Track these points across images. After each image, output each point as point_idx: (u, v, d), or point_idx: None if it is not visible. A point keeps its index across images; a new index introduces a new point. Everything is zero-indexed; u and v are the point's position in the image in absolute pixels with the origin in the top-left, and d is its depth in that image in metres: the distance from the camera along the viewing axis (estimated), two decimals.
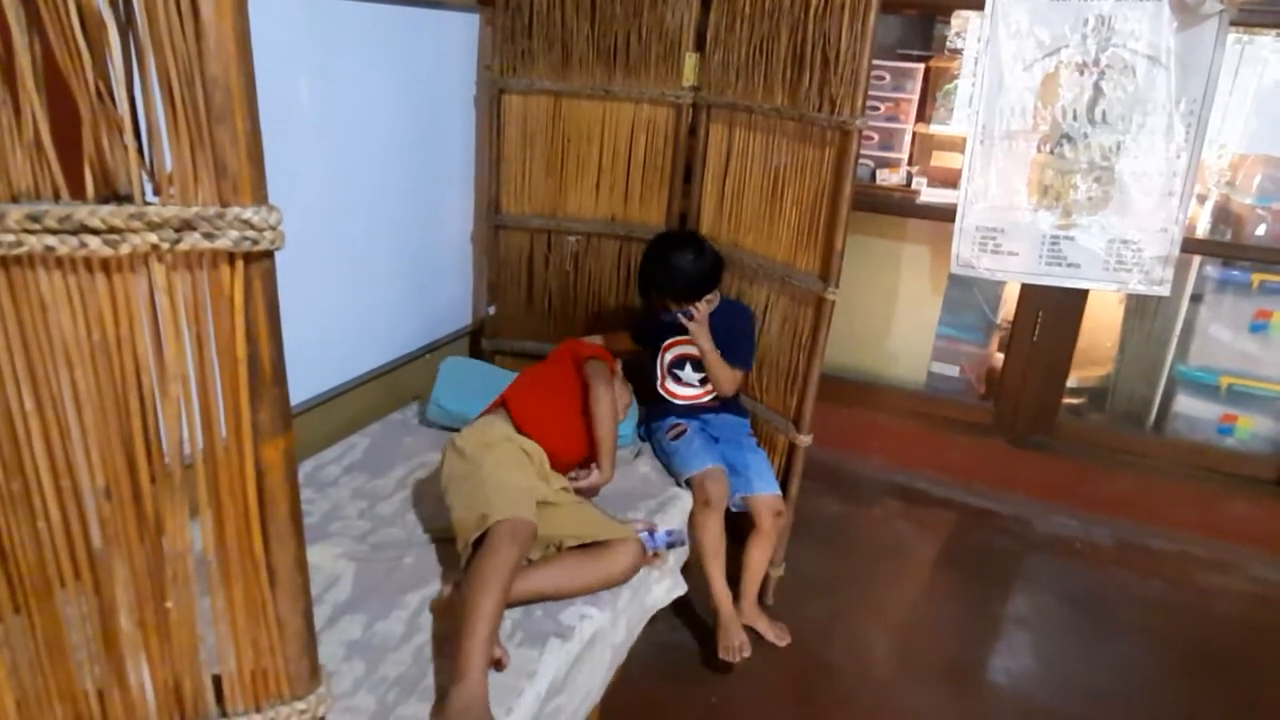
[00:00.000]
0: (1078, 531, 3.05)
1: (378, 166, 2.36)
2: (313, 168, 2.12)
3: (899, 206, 3.30)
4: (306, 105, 2.07)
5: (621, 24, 2.56)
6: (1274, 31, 2.99)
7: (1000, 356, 3.33)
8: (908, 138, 3.39)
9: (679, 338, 2.42)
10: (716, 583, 2.24)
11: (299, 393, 2.20)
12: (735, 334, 2.43)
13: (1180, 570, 2.89)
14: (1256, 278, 2.99)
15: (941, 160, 3.40)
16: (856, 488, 3.24)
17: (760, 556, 2.34)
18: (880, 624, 2.54)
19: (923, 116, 3.48)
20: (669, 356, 2.48)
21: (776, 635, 2.35)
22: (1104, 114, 2.82)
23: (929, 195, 3.23)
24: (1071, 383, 3.43)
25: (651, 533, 2.01)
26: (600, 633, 1.80)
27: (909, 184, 3.33)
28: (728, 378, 2.38)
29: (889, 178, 3.35)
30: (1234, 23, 2.63)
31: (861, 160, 3.50)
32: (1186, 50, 2.66)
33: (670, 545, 2.04)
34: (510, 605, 1.70)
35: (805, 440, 2.38)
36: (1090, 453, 3.16)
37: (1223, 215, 3.15)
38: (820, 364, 2.33)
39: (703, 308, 2.32)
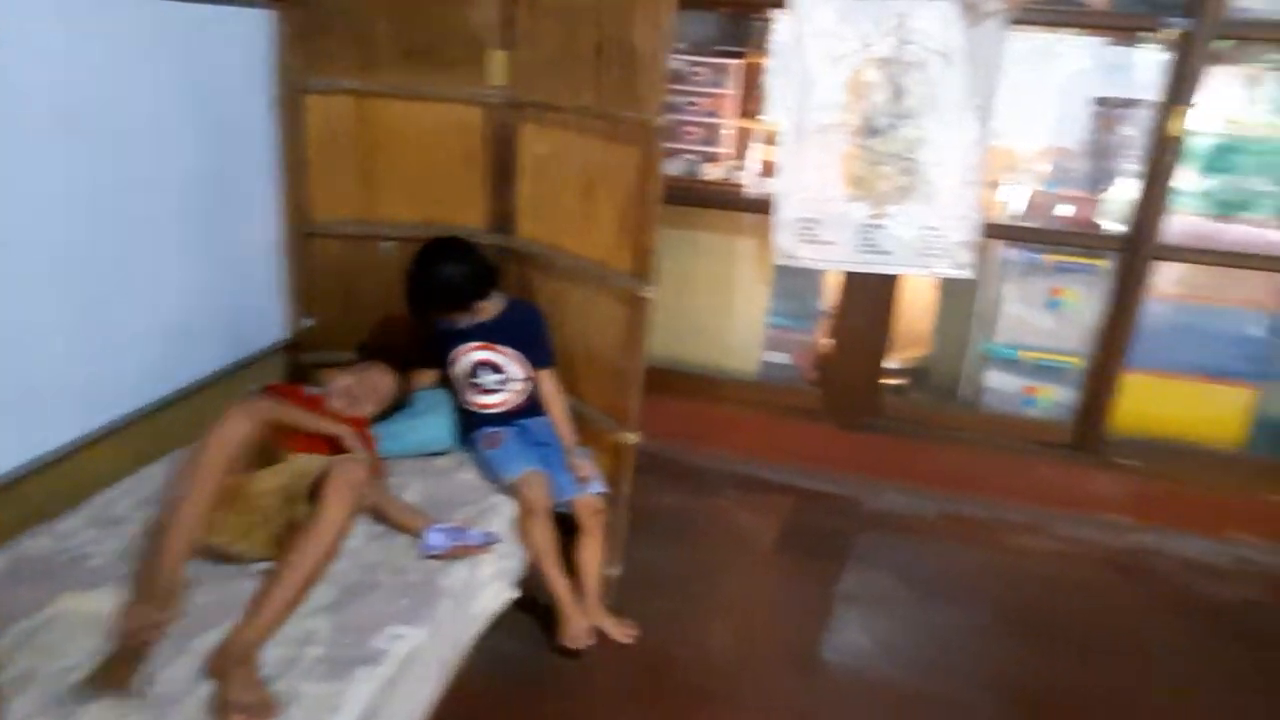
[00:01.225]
0: (906, 506, 3.20)
1: (153, 174, 2.18)
2: (57, 179, 1.92)
3: (724, 200, 3.36)
4: (49, 107, 1.88)
5: (423, 21, 2.48)
6: (1066, 30, 3.21)
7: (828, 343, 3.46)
8: (730, 132, 3.46)
9: (469, 344, 2.39)
10: (553, 578, 2.23)
11: (68, 425, 2.02)
12: (530, 335, 2.43)
13: (998, 535, 3.07)
14: (1050, 259, 3.22)
15: (766, 154, 3.49)
16: (698, 479, 3.28)
17: (590, 556, 2.34)
18: (724, 613, 2.58)
19: (747, 111, 3.57)
20: (463, 365, 2.43)
21: (623, 633, 2.35)
22: (907, 109, 2.95)
23: (757, 188, 3.30)
24: (895, 364, 3.61)
25: (461, 531, 1.97)
26: (418, 651, 1.73)
27: (733, 178, 3.40)
28: (555, 395, 2.41)
29: (712, 172, 3.41)
30: (1018, 21, 2.81)
31: (685, 156, 3.58)
32: (974, 48, 2.81)
33: (484, 544, 1.99)
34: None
35: (633, 438, 2.38)
36: (914, 430, 3.32)
37: (1024, 201, 3.37)
38: (642, 362, 2.33)
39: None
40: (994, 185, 3.32)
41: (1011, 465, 3.21)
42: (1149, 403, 3.17)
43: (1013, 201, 3.39)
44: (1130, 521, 3.12)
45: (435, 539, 1.91)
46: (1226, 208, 3.37)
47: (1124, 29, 3.00)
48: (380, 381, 2.28)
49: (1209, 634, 2.63)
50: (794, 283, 3.44)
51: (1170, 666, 2.48)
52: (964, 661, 2.44)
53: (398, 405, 2.35)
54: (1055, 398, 3.26)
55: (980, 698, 2.29)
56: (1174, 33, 2.71)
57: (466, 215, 2.65)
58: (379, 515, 2.02)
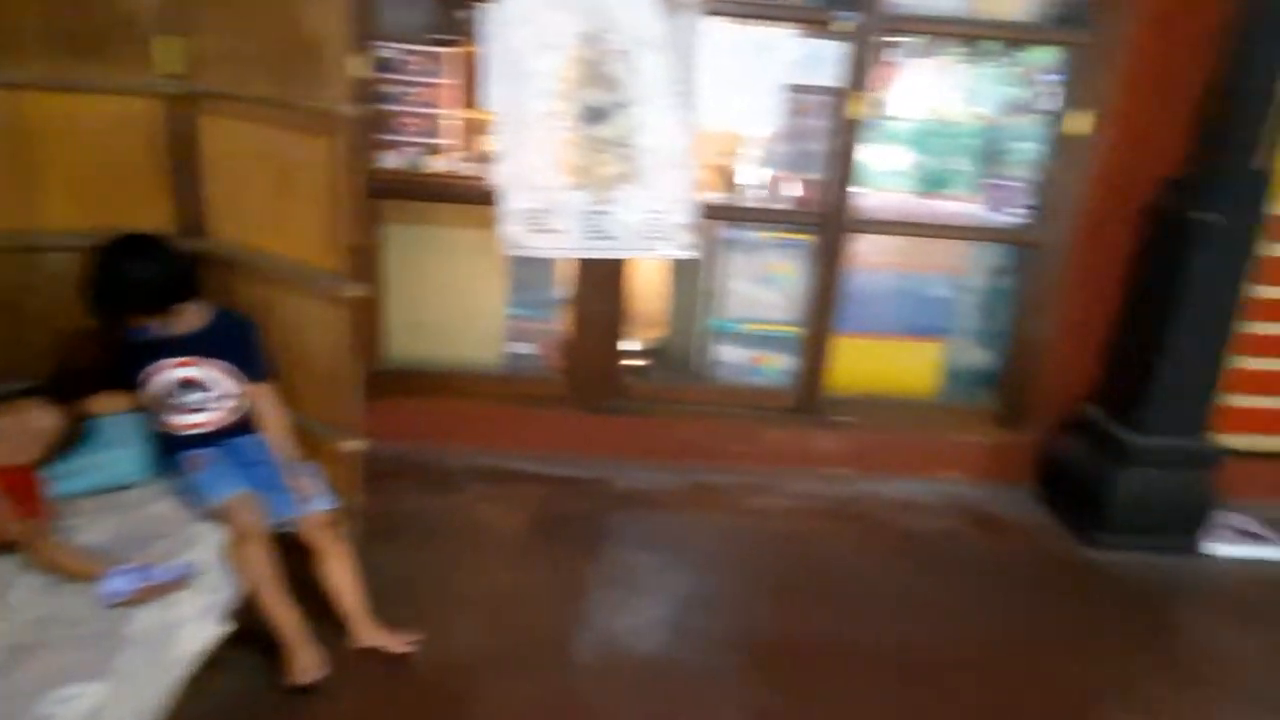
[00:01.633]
0: (652, 482, 3.30)
1: None
2: None
3: (453, 193, 3.29)
4: None
5: (76, 5, 2.20)
6: (755, 22, 3.43)
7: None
8: (454, 123, 3.39)
9: (169, 360, 2.17)
10: (274, 609, 2.06)
11: None
12: (241, 347, 2.26)
13: (736, 499, 3.25)
14: (763, 236, 3.44)
15: (491, 144, 3.44)
16: (446, 479, 3.20)
17: (340, 576, 2.20)
18: (474, 611, 2.52)
19: (469, 101, 3.51)
20: (161, 384, 2.19)
21: (401, 643, 2.24)
22: (621, 97, 3.02)
23: (485, 180, 3.25)
24: (635, 345, 3.71)
25: (147, 569, 1.78)
26: (102, 709, 1.55)
27: (459, 170, 3.33)
28: (272, 410, 2.25)
29: (438, 165, 3.33)
30: (714, 12, 2.95)
31: (407, 148, 3.46)
32: (673, 36, 2.93)
33: (177, 580, 1.81)
34: None
35: (358, 445, 2.28)
36: (656, 407, 3.44)
37: (735, 184, 3.58)
38: (361, 364, 2.24)
39: None
40: (711, 168, 3.49)
41: (744, 432, 3.42)
42: (859, 363, 3.49)
43: (728, 183, 3.59)
44: (850, 473, 3.43)
45: (116, 583, 1.71)
46: (929, 184, 3.78)
47: (803, 21, 3.26)
48: (38, 421, 1.99)
49: (922, 566, 2.94)
50: (531, 273, 3.44)
51: (891, 600, 2.74)
52: (713, 626, 2.55)
53: (72, 440, 2.08)
54: (779, 365, 3.51)
55: (728, 660, 2.40)
56: (847, 25, 2.98)
57: (148, 218, 2.38)
58: (51, 567, 1.78)
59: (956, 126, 3.87)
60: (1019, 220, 3.40)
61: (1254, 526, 3.23)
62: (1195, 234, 2.78)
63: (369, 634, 2.23)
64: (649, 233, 3.15)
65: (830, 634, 2.55)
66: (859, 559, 2.96)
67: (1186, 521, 3.06)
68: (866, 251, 3.43)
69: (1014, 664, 2.49)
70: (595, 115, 3.02)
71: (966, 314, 3.67)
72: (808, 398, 3.43)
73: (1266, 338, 3.39)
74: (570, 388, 3.40)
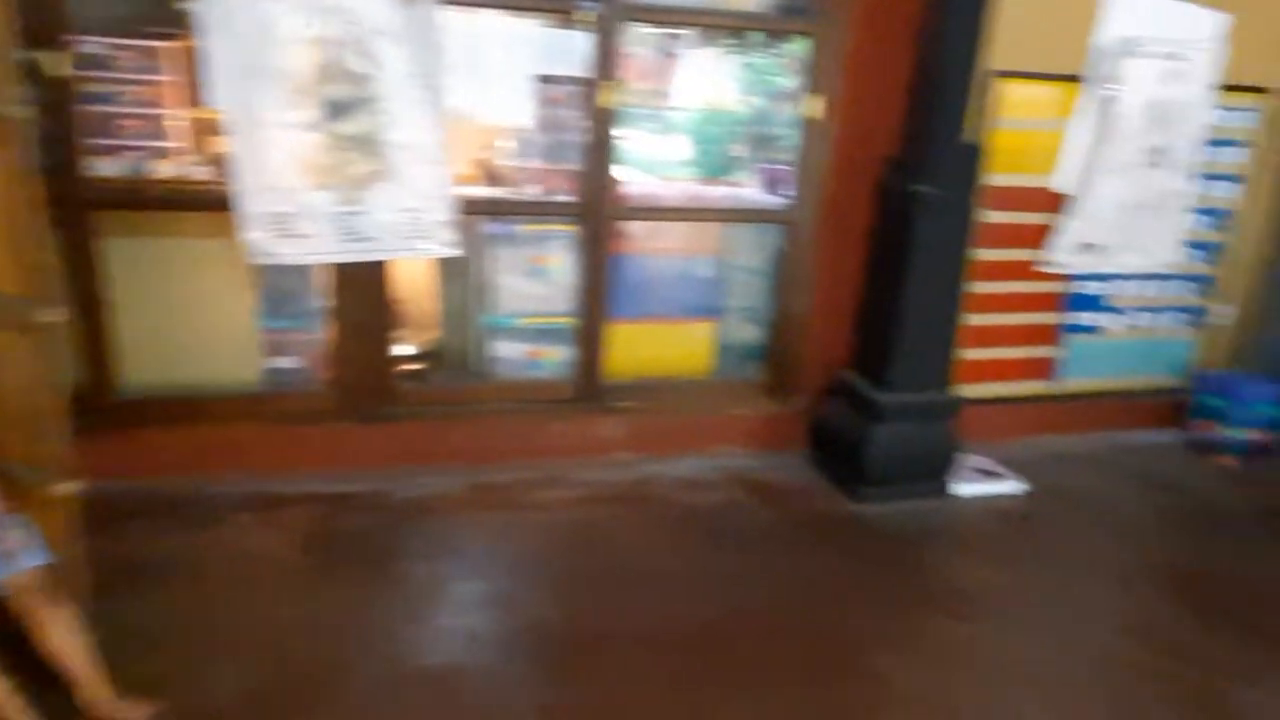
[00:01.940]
0: (437, 488, 3.20)
1: None
2: None
3: (185, 200, 3.02)
4: None
5: None
6: (496, 11, 3.37)
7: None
8: (179, 124, 3.11)
9: None
10: None
11: None
12: None
13: (524, 495, 3.22)
14: (528, 229, 3.42)
15: (224, 146, 3.19)
16: (204, 512, 2.94)
17: (61, 640, 1.94)
18: (252, 650, 2.32)
19: (198, 100, 3.22)
20: None
21: (139, 715, 2.00)
22: (365, 91, 2.88)
23: (221, 184, 3.00)
24: (410, 349, 3.58)
25: None
26: None
27: (191, 175, 3.06)
28: None
29: (165, 170, 3.04)
30: (452, 2, 2.87)
31: (128, 153, 3.14)
32: (413, 27, 2.83)
33: None
34: None
35: (72, 488, 2.03)
36: (435, 411, 3.33)
37: (496, 177, 3.53)
38: (64, 398, 1.99)
39: None
40: (470, 162, 3.42)
41: (526, 427, 3.39)
42: (635, 348, 3.55)
43: (489, 176, 3.54)
44: (634, 457, 3.49)
45: None
46: (705, 170, 3.89)
47: (547, 11, 3.25)
48: None
49: (705, 540, 3.03)
50: (284, 281, 3.22)
51: (676, 577, 2.80)
52: (501, 629, 2.50)
53: None
54: (557, 357, 3.50)
55: (516, 662, 2.37)
56: (589, 16, 3.00)
57: None
58: None
59: (728, 114, 4.03)
60: (783, 201, 3.57)
61: (991, 465, 3.60)
62: (916, 206, 3.04)
63: (101, 704, 2.00)
64: (408, 232, 3.04)
65: (617, 619, 2.57)
66: (645, 541, 3.01)
67: (935, 468, 3.36)
68: (638, 238, 3.50)
69: (791, 622, 2.63)
70: (338, 111, 2.87)
71: (736, 293, 3.82)
72: (587, 387, 3.45)
73: (989, 296, 3.78)
74: (340, 399, 3.22)
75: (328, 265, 3.08)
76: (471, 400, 3.39)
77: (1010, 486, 3.48)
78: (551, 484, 3.29)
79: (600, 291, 3.34)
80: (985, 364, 3.87)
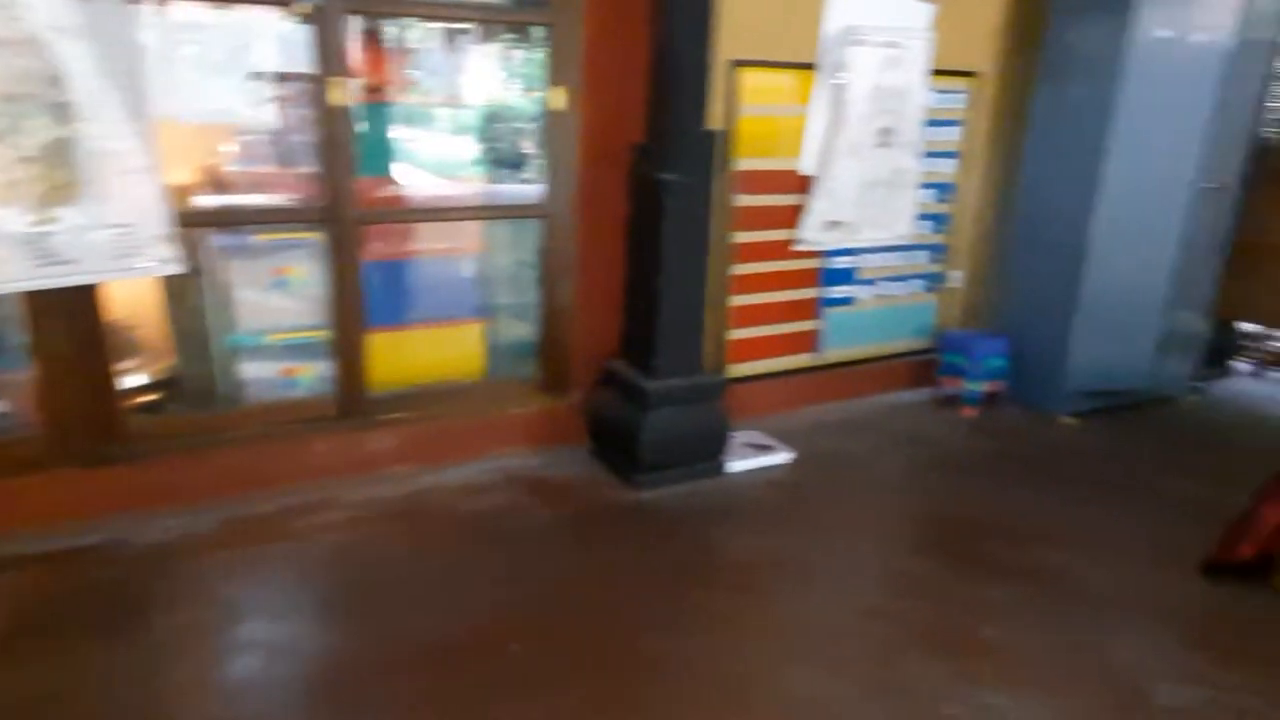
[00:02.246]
0: (185, 528, 2.91)
1: None
2: None
3: None
4: None
5: None
6: (204, 5, 3.09)
7: None
8: None
9: None
10: None
11: None
12: None
13: (291, 523, 2.99)
14: (266, 239, 3.17)
15: None
16: None
17: None
18: None
19: None
20: None
21: None
22: (47, 96, 2.55)
23: None
24: (140, 380, 3.24)
25: None
26: None
27: None
28: None
29: None
30: None
31: None
32: (100, 23, 2.53)
33: None
34: None
35: None
36: (176, 445, 3.02)
37: (224, 184, 3.25)
38: None
39: None
40: (194, 169, 3.13)
41: (287, 450, 3.15)
42: (400, 356, 3.40)
43: (216, 183, 3.25)
44: (408, 469, 3.34)
45: None
46: (461, 167, 3.74)
47: (262, 2, 3.00)
48: None
49: (485, 545, 2.94)
50: None
51: (455, 587, 2.70)
52: (274, 674, 2.29)
53: None
54: (314, 373, 3.28)
55: (294, 709, 2.18)
56: (304, 7, 2.81)
57: None
58: None
59: (509, 110, 3.91)
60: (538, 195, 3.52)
61: (763, 439, 3.75)
62: (663, 193, 3.09)
63: None
64: (118, 250, 2.72)
65: (395, 643, 2.44)
66: (421, 556, 2.88)
67: (708, 449, 3.45)
68: (397, 240, 3.34)
69: (572, 618, 2.59)
70: (13, 120, 2.52)
71: (505, 291, 3.75)
72: (350, 401, 3.26)
73: (752, 276, 3.94)
74: (55, 443, 2.85)
75: (23, 293, 2.71)
76: (220, 429, 3.10)
77: (781, 457, 3.64)
78: (319, 508, 3.08)
79: (354, 300, 3.16)
80: (753, 342, 4.03)
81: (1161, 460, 3.87)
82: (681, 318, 3.27)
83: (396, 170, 3.57)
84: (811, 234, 3.97)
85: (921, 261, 4.42)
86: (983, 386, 4.24)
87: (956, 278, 4.54)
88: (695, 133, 3.13)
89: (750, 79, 3.66)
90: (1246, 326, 5.05)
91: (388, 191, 3.39)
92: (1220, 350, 4.94)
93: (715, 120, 3.49)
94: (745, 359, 4.02)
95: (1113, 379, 4.24)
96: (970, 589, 2.85)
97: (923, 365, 4.50)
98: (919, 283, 4.45)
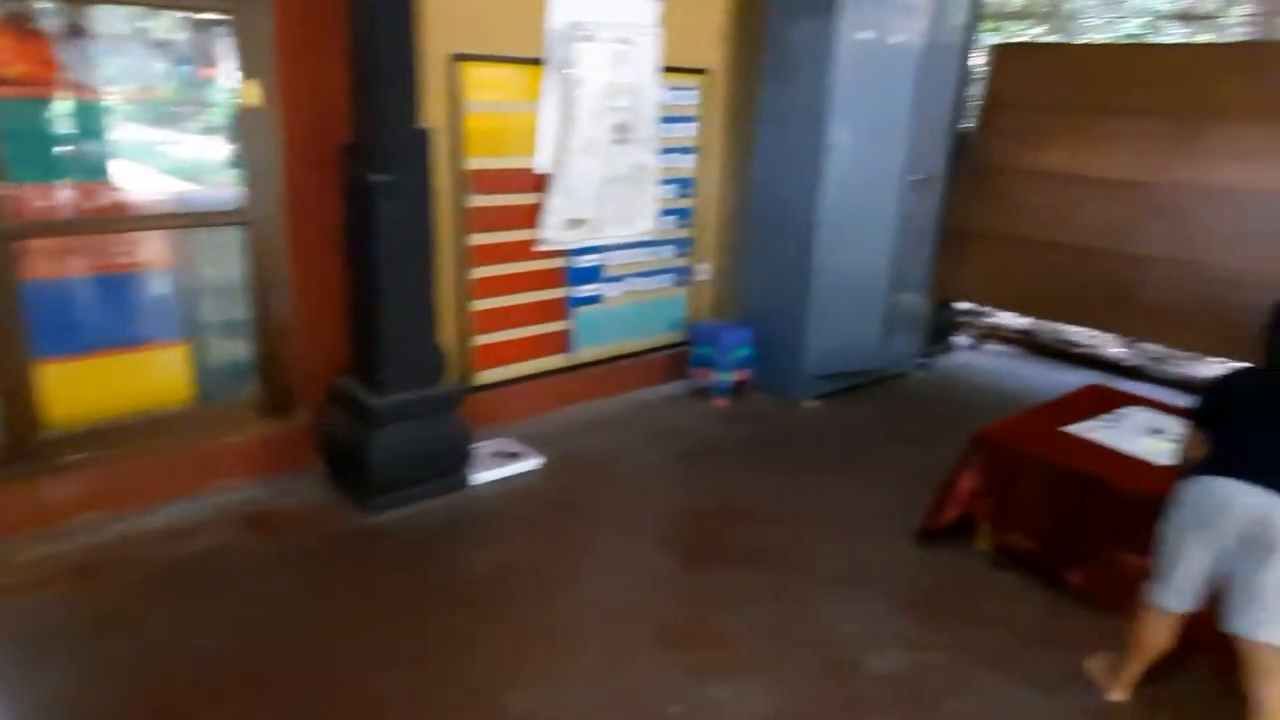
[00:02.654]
0: None
1: None
2: None
3: None
4: None
5: None
6: None
7: None
8: None
9: None
10: None
11: None
12: None
13: None
14: None
15: None
16: None
17: None
18: None
19: None
20: None
21: None
22: None
23: None
24: None
25: None
26: None
27: None
28: None
29: None
30: None
31: None
32: None
33: None
34: None
35: None
36: None
37: None
38: None
39: None
40: None
41: None
42: (84, 388, 2.98)
43: None
44: (100, 516, 2.94)
45: None
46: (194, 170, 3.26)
47: None
48: None
49: (189, 595, 2.62)
50: None
51: (150, 650, 2.37)
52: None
53: None
54: None
55: None
56: None
57: None
58: None
59: (182, 102, 3.46)
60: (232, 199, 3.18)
61: (512, 445, 3.64)
62: (374, 195, 2.88)
63: None
64: None
65: None
66: (103, 617, 2.52)
67: (447, 463, 3.28)
68: (79, 256, 2.90)
69: (290, 666, 2.36)
70: None
71: (212, 308, 3.37)
72: (19, 445, 2.82)
73: (495, 278, 3.81)
74: None
75: None
76: None
77: (530, 463, 3.54)
78: None
79: (11, 328, 2.73)
80: (502, 346, 3.91)
81: (891, 434, 4.14)
82: (407, 327, 3.08)
83: (123, 173, 3.06)
84: (552, 233, 3.90)
85: (668, 256, 4.48)
86: (731, 376, 4.36)
87: (704, 271, 4.65)
88: (406, 131, 2.95)
89: (475, 74, 3.53)
90: (964, 305, 5.55)
91: (71, 199, 2.92)
92: (943, 328, 5.41)
93: (436, 117, 3.32)
94: (495, 364, 3.89)
95: (847, 361, 4.50)
96: (707, 579, 2.89)
97: (676, 359, 4.57)
98: (667, 277, 4.51)
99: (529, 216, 3.83)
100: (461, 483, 3.33)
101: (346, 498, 3.20)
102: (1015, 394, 4.54)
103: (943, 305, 5.25)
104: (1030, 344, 5.59)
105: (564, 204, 3.88)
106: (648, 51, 3.97)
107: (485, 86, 3.59)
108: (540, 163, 3.79)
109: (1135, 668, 2.32)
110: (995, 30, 5.73)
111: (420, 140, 2.98)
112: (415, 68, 2.93)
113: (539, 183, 3.81)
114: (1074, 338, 5.49)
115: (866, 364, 4.59)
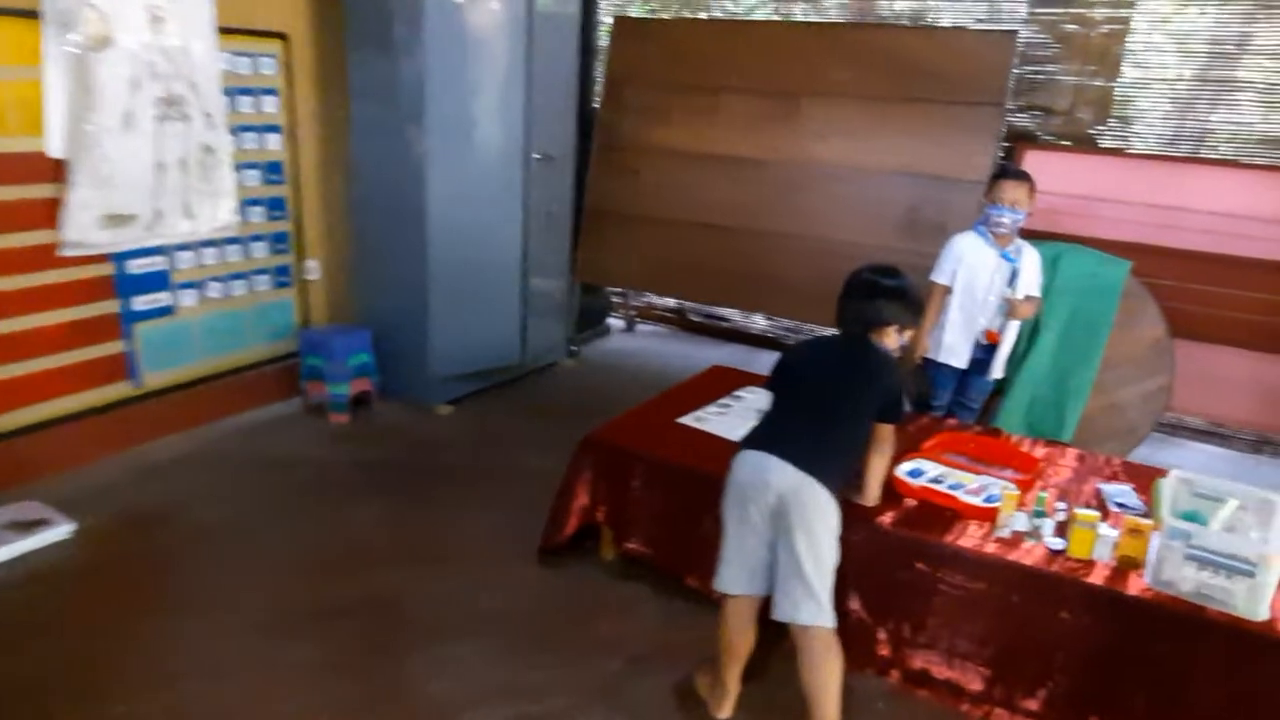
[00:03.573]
0: None
1: None
2: None
3: None
4: None
5: None
6: None
7: None
8: None
9: None
10: None
11: None
12: None
13: None
14: None
15: None
16: None
17: None
18: None
19: None
20: None
21: None
22: None
23: None
24: None
25: None
26: None
27: None
28: None
29: None
30: None
31: None
32: None
33: None
34: None
35: None
36: None
37: None
38: None
39: None
40: None
41: None
42: None
43: None
44: None
45: None
46: None
47: None
48: None
49: None
50: None
51: None
52: None
53: None
54: None
55: None
56: None
57: None
58: None
59: None
60: None
61: (37, 511, 2.84)
62: None
63: None
64: None
65: None
66: None
67: None
68: None
69: None
70: None
71: None
72: None
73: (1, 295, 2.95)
74: None
75: None
76: None
77: (57, 533, 2.77)
78: None
79: None
80: (22, 382, 3.05)
81: (529, 436, 3.82)
82: None
83: None
84: (82, 234, 3.07)
85: (263, 254, 3.80)
86: (348, 388, 3.81)
87: (313, 269, 4.03)
88: None
89: None
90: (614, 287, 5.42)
91: None
92: (596, 311, 5.24)
93: None
94: (12, 406, 3.02)
95: (483, 357, 4.13)
96: (291, 653, 2.36)
97: (289, 372, 3.94)
98: (265, 278, 3.84)
99: (46, 214, 3.00)
100: None
101: None
102: (664, 376, 4.41)
103: (591, 289, 5.07)
104: (682, 322, 5.60)
105: (96, 196, 3.07)
106: (195, 7, 3.26)
107: None
108: (51, 146, 2.96)
109: (729, 673, 2.15)
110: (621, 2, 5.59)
111: None
112: None
113: (58, 171, 2.99)
114: (723, 314, 5.57)
115: (507, 358, 4.25)
